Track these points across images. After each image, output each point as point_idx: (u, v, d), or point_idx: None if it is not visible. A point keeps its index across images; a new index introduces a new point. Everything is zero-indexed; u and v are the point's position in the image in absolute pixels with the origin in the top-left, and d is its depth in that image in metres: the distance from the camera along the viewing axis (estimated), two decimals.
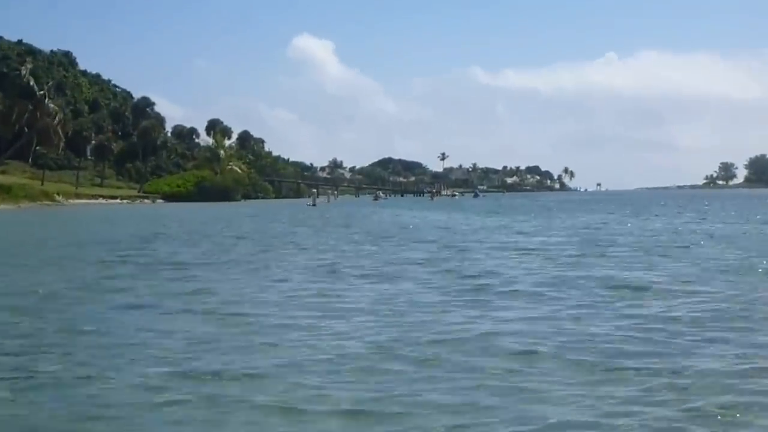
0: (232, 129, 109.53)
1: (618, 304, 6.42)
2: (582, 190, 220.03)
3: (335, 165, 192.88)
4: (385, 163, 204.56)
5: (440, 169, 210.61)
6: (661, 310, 6.00)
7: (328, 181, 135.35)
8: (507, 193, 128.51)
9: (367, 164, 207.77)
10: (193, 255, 11.51)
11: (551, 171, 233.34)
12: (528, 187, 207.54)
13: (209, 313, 6.08)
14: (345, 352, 5.02)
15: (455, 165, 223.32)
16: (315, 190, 63.35)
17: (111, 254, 12.44)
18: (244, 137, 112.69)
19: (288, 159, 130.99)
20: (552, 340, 5.10)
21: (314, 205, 52.40)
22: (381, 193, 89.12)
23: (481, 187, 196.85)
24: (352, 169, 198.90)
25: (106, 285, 8.47)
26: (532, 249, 11.49)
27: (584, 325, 5.46)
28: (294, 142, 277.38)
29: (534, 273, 8.87)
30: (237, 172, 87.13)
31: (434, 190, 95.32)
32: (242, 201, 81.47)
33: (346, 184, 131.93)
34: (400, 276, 9.35)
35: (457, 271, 9.52)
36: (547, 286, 7.76)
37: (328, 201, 70.75)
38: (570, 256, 10.18)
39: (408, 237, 15.70)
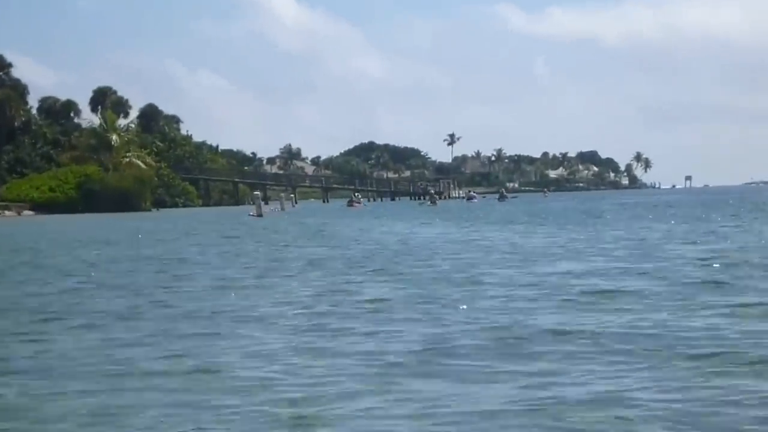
0: (131, 102, 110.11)
1: None
2: (660, 186, 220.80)
3: (291, 155, 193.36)
4: (366, 151, 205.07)
5: (448, 159, 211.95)
6: None
7: (281, 178, 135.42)
8: (549, 193, 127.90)
9: (338, 153, 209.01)
10: None
11: (616, 159, 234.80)
12: (581, 183, 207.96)
13: None
14: None
15: (471, 152, 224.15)
16: (258, 193, 62.61)
17: None
18: (150, 114, 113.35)
19: (218, 147, 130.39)
20: None
21: (260, 215, 52.37)
22: (359, 196, 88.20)
23: (510, 185, 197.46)
24: (316, 161, 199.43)
25: None
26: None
27: None
28: (227, 121, 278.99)
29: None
30: (140, 167, 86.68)
31: (435, 190, 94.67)
32: (152, 211, 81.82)
33: (307, 183, 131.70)
34: None
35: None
36: None
37: (282, 208, 70.22)
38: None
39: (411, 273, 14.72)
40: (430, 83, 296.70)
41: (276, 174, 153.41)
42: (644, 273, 13.45)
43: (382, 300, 11.07)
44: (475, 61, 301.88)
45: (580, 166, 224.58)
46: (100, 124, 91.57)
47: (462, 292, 11.56)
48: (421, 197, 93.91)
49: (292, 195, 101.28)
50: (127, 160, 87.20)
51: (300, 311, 10.45)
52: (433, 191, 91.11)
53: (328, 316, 9.88)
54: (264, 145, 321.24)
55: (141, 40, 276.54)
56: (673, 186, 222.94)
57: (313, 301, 11.29)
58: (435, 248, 21.12)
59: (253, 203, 60.75)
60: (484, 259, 17.36)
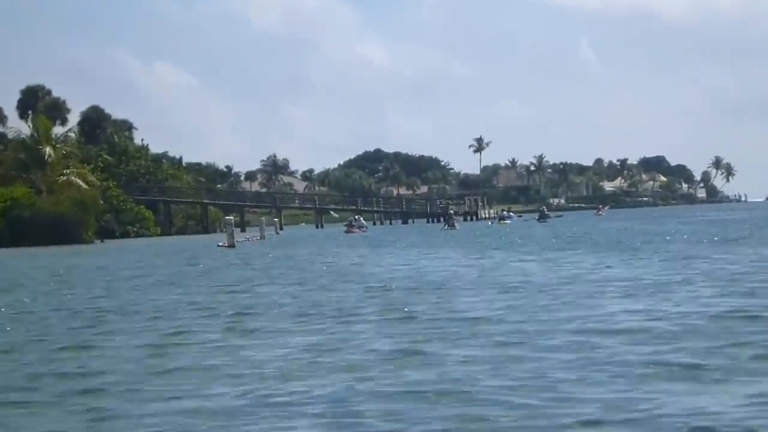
0: (70, 104, 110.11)
1: None
2: (746, 199, 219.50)
3: (276, 168, 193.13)
4: (372, 162, 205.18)
5: (476, 170, 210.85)
6: None
7: (264, 198, 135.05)
8: (604, 210, 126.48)
9: (336, 165, 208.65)
10: None
11: (689, 166, 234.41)
12: (645, 198, 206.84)
13: None
14: None
15: (504, 160, 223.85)
16: (230, 218, 62.40)
17: None
18: (94, 119, 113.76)
19: (181, 160, 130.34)
20: None
21: (231, 246, 53.44)
22: (361, 219, 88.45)
23: (555, 201, 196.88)
24: (308, 175, 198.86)
25: None
26: None
27: None
28: (194, 126, 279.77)
29: None
30: (81, 187, 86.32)
31: (457, 210, 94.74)
32: (96, 243, 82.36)
33: (297, 204, 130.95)
34: None
35: None
36: None
37: (261, 237, 70.39)
38: None
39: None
40: (450, 74, 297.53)
41: (257, 193, 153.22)
42: None
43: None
44: (503, 45, 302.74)
45: (644, 176, 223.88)
46: (31, 133, 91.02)
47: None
48: (442, 219, 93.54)
49: (276, 219, 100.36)
50: (65, 178, 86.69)
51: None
52: (452, 211, 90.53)
53: None
54: (242, 157, 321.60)
55: (82, 26, 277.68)
56: (767, 198, 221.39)
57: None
58: (440, 293, 19.44)
59: (225, 229, 60.16)
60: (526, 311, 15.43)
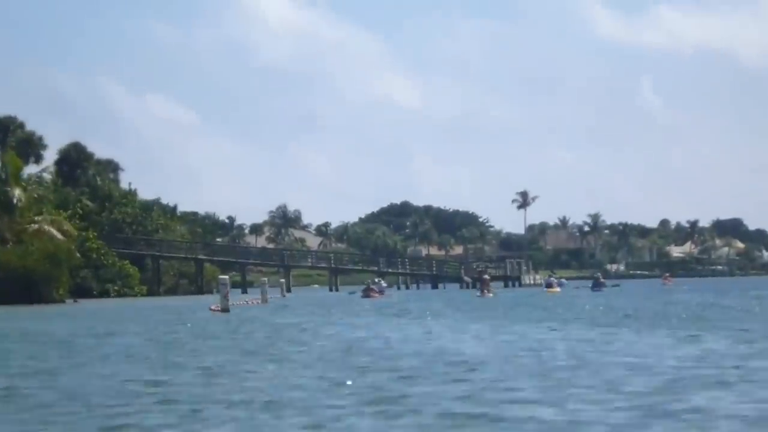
0: (47, 140, 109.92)
1: None
2: None
3: (286, 220, 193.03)
4: (398, 216, 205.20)
5: (520, 229, 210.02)
6: None
7: (271, 255, 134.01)
8: (672, 280, 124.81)
9: (356, 219, 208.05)
10: None
11: None
12: (719, 266, 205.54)
13: None
14: None
15: (553, 219, 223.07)
16: (225, 277, 62.21)
17: None
18: (74, 158, 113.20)
19: (175, 208, 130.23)
20: None
21: (225, 310, 53.85)
22: (381, 282, 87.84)
23: (613, 267, 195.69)
24: (323, 230, 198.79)
25: None
26: None
27: None
28: (192, 170, 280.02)
29: None
30: (54, 237, 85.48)
31: (488, 276, 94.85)
32: (67, 302, 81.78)
33: (309, 262, 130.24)
34: None
35: None
36: None
37: (263, 300, 70.60)
38: None
39: None
40: (489, 116, 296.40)
41: (262, 249, 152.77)
42: None
43: None
44: (549, 84, 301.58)
45: (718, 241, 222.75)
46: (1, 173, 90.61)
47: None
48: (477, 284, 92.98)
49: (282, 280, 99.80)
50: (36, 227, 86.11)
51: None
52: (488, 276, 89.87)
53: None
54: (247, 207, 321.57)
55: (63, 51, 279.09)
56: None
57: None
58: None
59: (219, 290, 59.55)
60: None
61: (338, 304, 68.19)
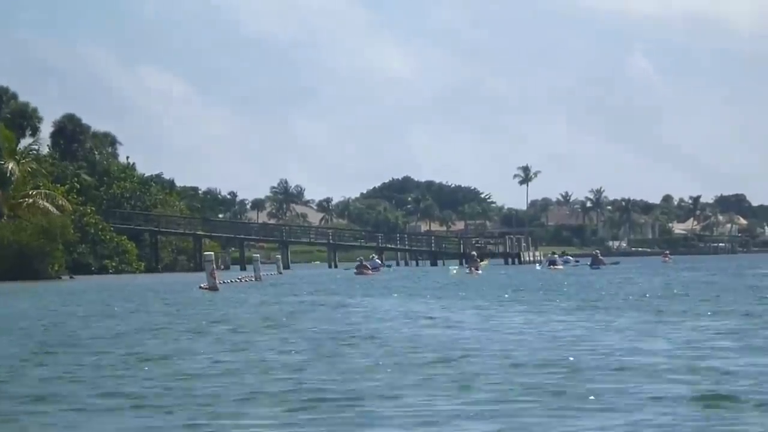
0: (41, 113, 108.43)
1: None
2: None
3: (287, 196, 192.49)
4: (400, 192, 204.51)
5: (522, 205, 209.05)
6: None
7: (271, 231, 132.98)
8: (671, 258, 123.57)
9: (358, 194, 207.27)
10: None
11: None
12: (722, 243, 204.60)
13: None
14: None
15: (556, 194, 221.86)
16: (211, 254, 61.45)
17: None
18: (70, 131, 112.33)
19: (172, 182, 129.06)
20: None
21: (213, 288, 53.72)
22: (376, 259, 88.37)
23: (616, 243, 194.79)
24: (325, 205, 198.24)
25: None
26: None
27: None
28: (192, 144, 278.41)
29: None
30: (49, 212, 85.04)
31: (473, 252, 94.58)
32: (63, 279, 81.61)
33: (309, 239, 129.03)
34: None
35: None
36: None
37: (256, 277, 69.87)
38: None
39: None
40: (488, 87, 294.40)
41: (262, 225, 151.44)
42: None
43: None
44: (548, 53, 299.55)
45: (720, 218, 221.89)
46: None
47: None
48: (465, 261, 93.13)
49: (278, 256, 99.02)
50: (30, 201, 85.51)
51: None
52: (476, 253, 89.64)
53: None
54: (249, 182, 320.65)
55: (56, 20, 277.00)
56: None
57: None
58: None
59: (209, 268, 58.51)
60: None
61: (332, 281, 67.99)
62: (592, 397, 12.92)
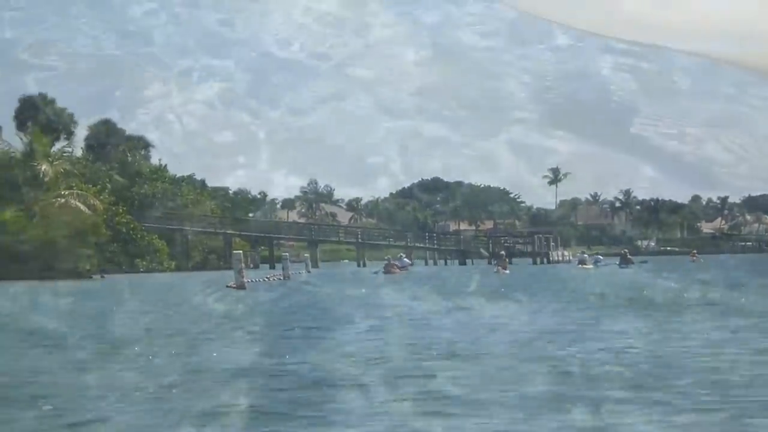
0: (77, 117, 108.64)
1: None
2: None
3: (317, 195, 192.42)
4: (429, 192, 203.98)
5: (551, 204, 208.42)
6: None
7: (300, 230, 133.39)
8: (698, 258, 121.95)
9: (387, 194, 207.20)
10: None
11: None
12: (749, 242, 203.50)
13: None
14: None
15: (585, 194, 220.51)
16: (239, 252, 61.50)
17: None
18: (104, 135, 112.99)
19: (203, 183, 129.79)
20: None
21: (240, 287, 53.76)
22: (404, 258, 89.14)
23: (644, 243, 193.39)
24: (354, 205, 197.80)
25: None
26: None
27: None
28: (222, 143, 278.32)
29: None
30: (80, 211, 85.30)
31: (501, 251, 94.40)
32: (95, 278, 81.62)
33: (339, 238, 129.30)
34: None
35: None
36: None
37: (285, 276, 69.85)
38: None
39: None
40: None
41: (291, 224, 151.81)
42: None
43: None
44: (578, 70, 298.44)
45: (748, 217, 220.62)
46: (27, 148, 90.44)
47: None
48: (493, 260, 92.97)
49: (306, 255, 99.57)
50: (62, 200, 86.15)
51: None
52: (504, 252, 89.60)
53: None
54: (280, 182, 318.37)
55: (92, 19, 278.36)
56: None
57: None
58: None
59: (238, 267, 58.52)
60: None
61: (359, 279, 67.99)
62: None
